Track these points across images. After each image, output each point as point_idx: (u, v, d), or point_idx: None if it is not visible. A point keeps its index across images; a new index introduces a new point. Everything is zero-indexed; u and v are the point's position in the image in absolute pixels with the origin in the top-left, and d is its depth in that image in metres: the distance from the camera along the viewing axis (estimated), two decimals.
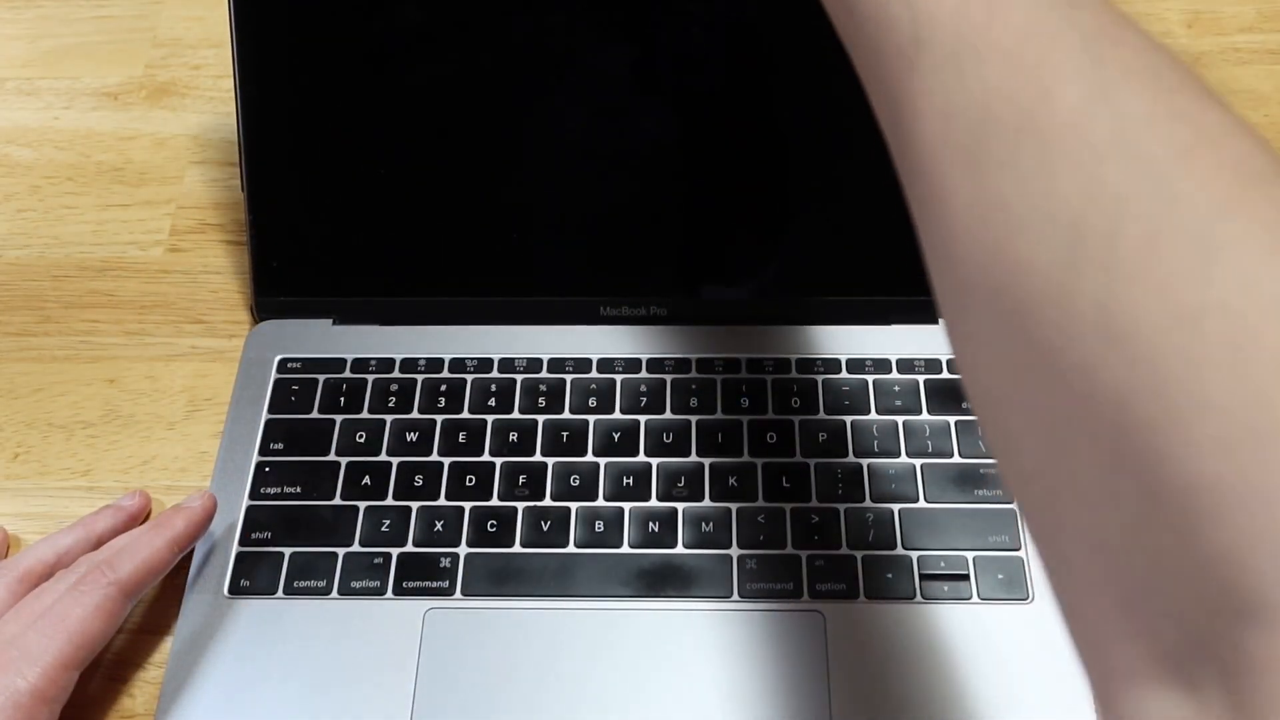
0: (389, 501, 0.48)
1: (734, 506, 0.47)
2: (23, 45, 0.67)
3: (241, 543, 0.47)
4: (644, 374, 0.51)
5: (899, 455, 0.48)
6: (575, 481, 0.48)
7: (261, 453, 0.49)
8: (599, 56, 0.51)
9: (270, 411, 0.51)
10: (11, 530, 0.49)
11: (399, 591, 0.46)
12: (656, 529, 0.47)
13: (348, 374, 0.52)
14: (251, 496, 0.48)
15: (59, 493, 0.51)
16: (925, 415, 0.49)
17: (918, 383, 0.50)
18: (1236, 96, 0.63)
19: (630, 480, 0.48)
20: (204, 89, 0.65)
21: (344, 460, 0.49)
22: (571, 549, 0.46)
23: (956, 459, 0.48)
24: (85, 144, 0.63)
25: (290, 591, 0.46)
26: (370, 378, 0.51)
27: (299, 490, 0.48)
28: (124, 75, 0.66)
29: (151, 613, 0.47)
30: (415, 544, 0.47)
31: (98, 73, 0.66)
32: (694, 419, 0.50)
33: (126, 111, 0.64)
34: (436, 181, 0.53)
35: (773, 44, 0.51)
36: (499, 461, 0.49)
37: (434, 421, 0.50)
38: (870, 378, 0.50)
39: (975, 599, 0.45)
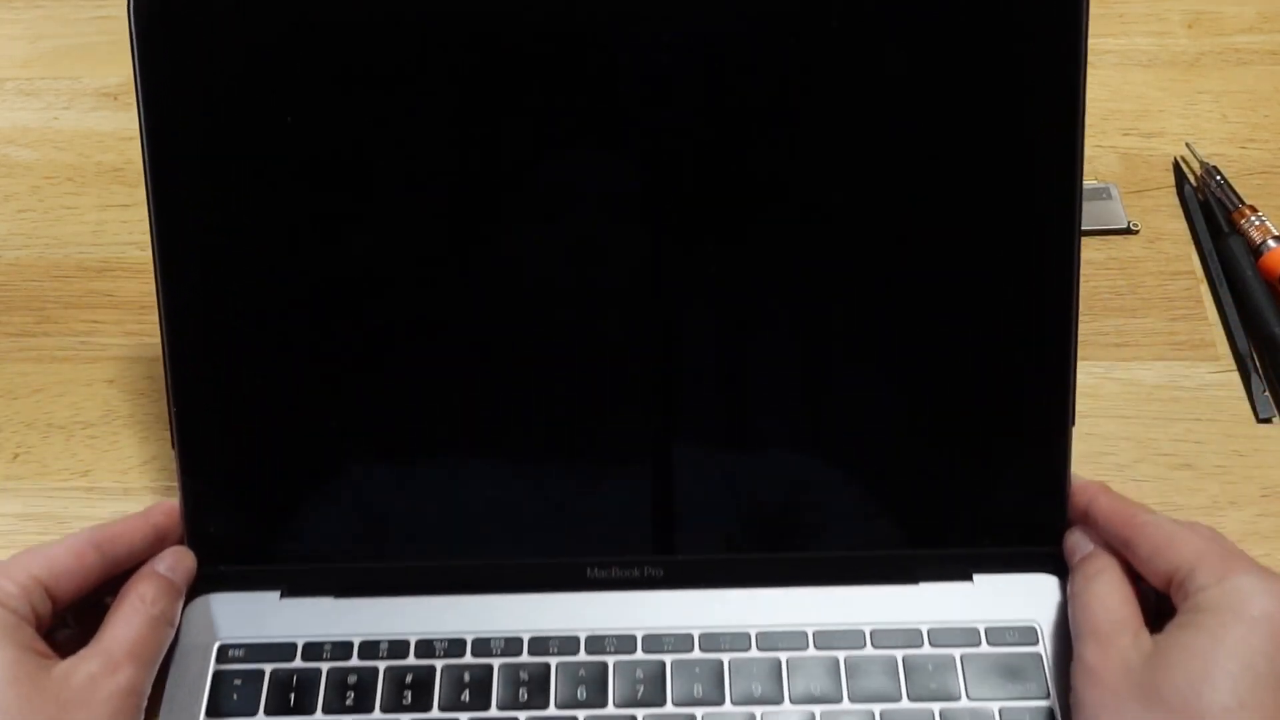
0: None
1: None
2: (23, 45, 0.68)
3: None
4: (639, 654, 0.44)
5: None
6: None
7: None
8: (561, 291, 0.45)
9: (208, 715, 0.44)
10: (11, 530, 0.50)
11: None
12: None
13: (298, 663, 0.45)
14: None
15: (59, 493, 0.51)
16: (965, 700, 0.43)
17: (954, 658, 0.44)
18: (1236, 96, 0.63)
19: None
20: None
21: None
22: None
23: None
24: (85, 144, 0.64)
25: None
26: (324, 666, 0.44)
27: None
28: (124, 75, 0.66)
29: None
30: None
31: (98, 73, 0.67)
32: (699, 711, 0.43)
33: (126, 111, 0.65)
34: (392, 433, 0.46)
35: (764, 304, 0.45)
36: None
37: None
38: (899, 653, 0.44)
39: None
